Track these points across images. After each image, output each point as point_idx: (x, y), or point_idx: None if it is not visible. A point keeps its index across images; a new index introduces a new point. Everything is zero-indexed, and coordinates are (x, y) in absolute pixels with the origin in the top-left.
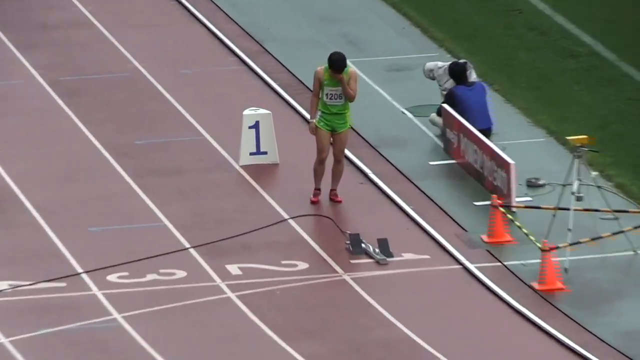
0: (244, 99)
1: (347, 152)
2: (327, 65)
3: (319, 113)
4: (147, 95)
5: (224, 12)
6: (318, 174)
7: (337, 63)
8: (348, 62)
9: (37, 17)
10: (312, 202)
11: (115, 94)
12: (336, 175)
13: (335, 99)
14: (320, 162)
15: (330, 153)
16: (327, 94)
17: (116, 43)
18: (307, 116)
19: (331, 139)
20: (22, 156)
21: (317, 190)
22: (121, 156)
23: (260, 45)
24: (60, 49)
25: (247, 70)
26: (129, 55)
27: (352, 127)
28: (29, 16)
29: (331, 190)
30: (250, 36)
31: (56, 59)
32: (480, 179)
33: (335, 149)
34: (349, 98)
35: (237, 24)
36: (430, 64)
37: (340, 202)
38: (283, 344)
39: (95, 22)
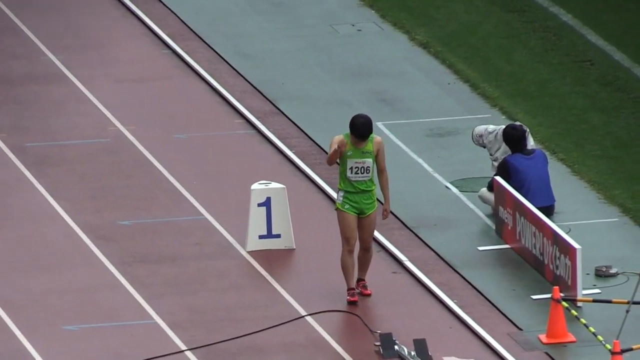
0: (253, 170)
1: (377, 234)
2: (346, 133)
3: (341, 194)
4: (133, 165)
5: (228, 63)
6: (349, 269)
7: (361, 128)
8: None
9: None
10: (350, 303)
11: (94, 164)
12: (364, 265)
13: (362, 173)
14: (349, 252)
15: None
16: (350, 168)
17: (95, 101)
18: (330, 191)
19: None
20: None
21: (352, 290)
22: (102, 240)
23: (273, 104)
24: (27, 108)
25: (256, 135)
26: (110, 117)
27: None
28: None
29: (358, 280)
30: (261, 93)
31: (22, 121)
32: (540, 267)
33: (363, 235)
34: (383, 179)
35: (244, 78)
36: (480, 128)
37: (369, 294)
38: None
39: (69, 75)
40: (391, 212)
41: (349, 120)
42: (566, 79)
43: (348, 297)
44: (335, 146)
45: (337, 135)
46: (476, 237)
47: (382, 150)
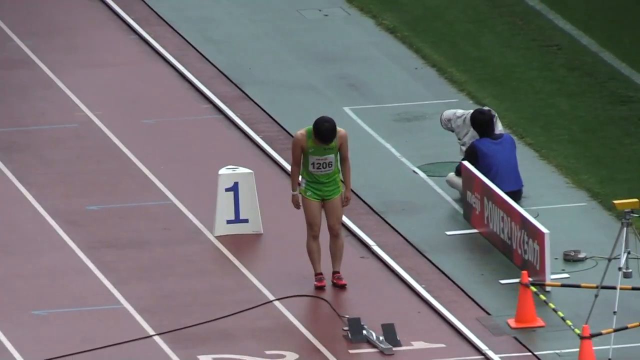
0: (220, 155)
1: (345, 219)
2: (308, 129)
3: (304, 181)
4: (101, 150)
5: (195, 49)
6: (314, 253)
7: (326, 134)
8: None
9: None
10: (318, 288)
11: (61, 149)
12: (336, 254)
13: (324, 168)
14: (313, 238)
15: (324, 227)
16: (312, 164)
17: (62, 86)
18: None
19: (322, 209)
20: None
21: (319, 274)
22: (70, 225)
23: (240, 89)
24: None
25: (223, 120)
26: (78, 102)
27: (351, 190)
28: None
29: (334, 273)
30: (228, 78)
31: None
32: (508, 252)
33: (330, 220)
34: (345, 168)
35: (211, 63)
36: (448, 113)
37: (344, 285)
38: None
39: (37, 61)
40: (359, 197)
41: (315, 106)
42: (533, 64)
43: (316, 282)
44: (296, 149)
45: (299, 131)
46: (444, 221)
47: (346, 142)
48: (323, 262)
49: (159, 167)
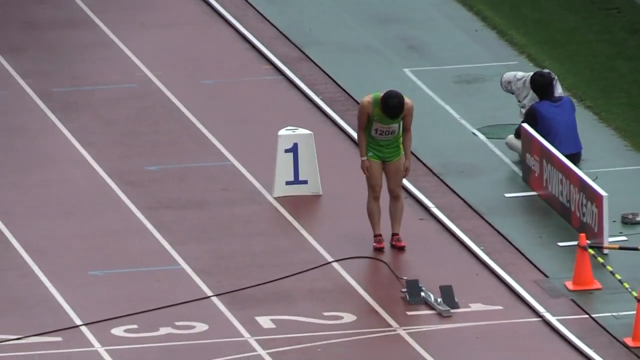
0: (280, 117)
1: (404, 181)
2: (375, 95)
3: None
4: (161, 111)
5: (256, 10)
6: (375, 215)
7: (393, 110)
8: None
9: (23, 13)
10: (378, 249)
11: (121, 109)
12: (396, 216)
13: (387, 135)
14: (374, 199)
15: (384, 188)
16: (376, 130)
17: (122, 46)
18: (356, 137)
19: (382, 171)
20: (7, 185)
21: (379, 236)
22: (129, 185)
23: (301, 50)
24: (53, 53)
25: (283, 81)
26: (138, 62)
27: (412, 153)
28: (13, 12)
29: (393, 235)
30: (288, 39)
31: (48, 66)
32: (566, 214)
33: (390, 183)
34: (407, 138)
35: (272, 24)
36: (508, 75)
37: (404, 247)
38: None
39: (97, 21)
40: (418, 159)
41: (375, 67)
42: (593, 27)
43: (375, 244)
44: (362, 116)
45: (365, 98)
46: (503, 184)
47: (411, 113)
48: (382, 224)
49: (218, 128)
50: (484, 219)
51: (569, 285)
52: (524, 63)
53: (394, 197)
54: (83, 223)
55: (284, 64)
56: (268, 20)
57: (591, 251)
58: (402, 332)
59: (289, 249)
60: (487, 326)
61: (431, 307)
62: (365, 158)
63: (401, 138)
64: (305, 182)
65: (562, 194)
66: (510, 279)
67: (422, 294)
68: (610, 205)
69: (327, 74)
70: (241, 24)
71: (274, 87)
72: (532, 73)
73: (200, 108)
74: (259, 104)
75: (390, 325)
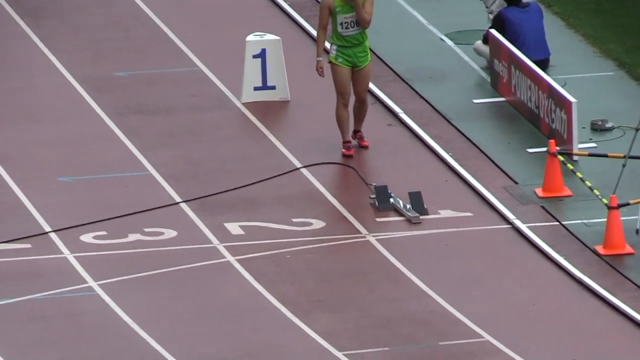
0: (248, 22)
1: (372, 86)
2: None
3: (334, 48)
4: (129, 17)
5: None
6: (344, 121)
7: None
8: None
9: None
10: (346, 156)
11: (89, 15)
12: (359, 116)
13: (352, 28)
14: (343, 106)
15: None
16: (340, 24)
17: None
18: (325, 44)
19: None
20: None
21: (348, 142)
22: (97, 91)
23: None
24: None
25: None
26: None
27: (379, 58)
28: None
29: (355, 132)
30: None
31: None
32: (535, 120)
33: (358, 88)
34: (363, 23)
35: None
36: None
37: (367, 146)
38: (294, 319)
39: None
40: (386, 64)
41: None
42: None
43: (344, 150)
44: (324, 10)
45: None
46: (471, 89)
47: (371, 0)
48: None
49: (186, 34)
50: (452, 124)
51: (539, 192)
52: None
53: (360, 101)
54: (52, 129)
55: None
56: None
57: (561, 158)
58: (371, 238)
59: (257, 154)
60: (456, 233)
61: (400, 214)
62: (320, 59)
63: (368, 40)
64: (273, 87)
65: (530, 100)
66: (479, 185)
67: (391, 200)
68: (580, 112)
69: None
70: None
71: None
72: None
73: (169, 14)
74: (227, 9)
75: (359, 232)
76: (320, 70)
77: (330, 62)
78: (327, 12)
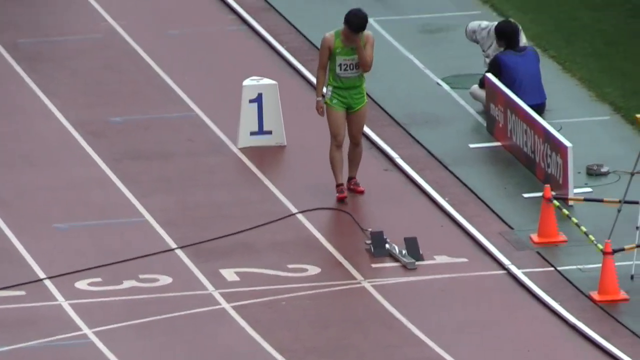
0: (244, 67)
1: (368, 131)
2: (336, 30)
3: (330, 89)
4: (125, 61)
5: None
6: (337, 164)
7: (357, 20)
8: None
9: None
10: (340, 200)
11: (85, 59)
12: (354, 161)
13: (351, 70)
14: (337, 148)
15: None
16: (339, 65)
17: None
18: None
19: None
20: None
21: (341, 185)
22: (93, 136)
23: (265, 0)
24: (18, 4)
25: (247, 31)
26: (102, 12)
27: (375, 102)
28: None
29: (350, 179)
30: None
31: (13, 17)
32: (531, 165)
33: (352, 130)
34: (365, 67)
35: None
36: (473, 24)
37: (362, 192)
38: None
39: None
40: (382, 109)
41: (341, 17)
42: None
43: (337, 194)
44: (324, 50)
45: (327, 33)
46: (467, 134)
47: (371, 43)
48: (345, 174)
49: (182, 79)
50: (448, 169)
51: (534, 237)
52: (487, 12)
53: (354, 144)
54: (47, 175)
55: (248, 13)
56: None
57: (556, 203)
58: (367, 285)
59: (253, 200)
60: (451, 279)
61: (396, 260)
62: (320, 99)
63: (364, 84)
64: (269, 132)
65: (526, 144)
66: (475, 230)
67: (387, 246)
68: (575, 156)
69: (291, 24)
70: None
71: (239, 37)
72: (496, 22)
73: (165, 58)
74: (223, 54)
75: (354, 278)
76: (320, 110)
77: (325, 103)
78: (327, 52)
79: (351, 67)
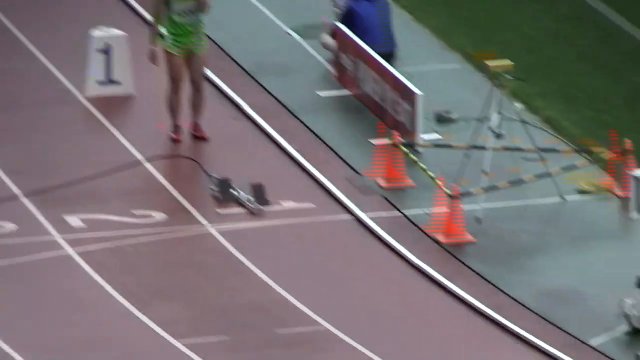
0: (94, 16)
1: (217, 80)
2: None
3: (170, 37)
4: None
5: None
6: (175, 106)
7: None
8: None
9: None
10: (174, 141)
11: None
12: (198, 107)
13: (189, 16)
14: (175, 91)
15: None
16: (176, 11)
17: None
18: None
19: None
20: None
21: (178, 126)
22: None
23: None
24: None
25: None
26: None
27: (224, 52)
28: None
29: (194, 125)
30: None
31: None
32: (381, 113)
33: (194, 75)
34: (203, 6)
35: None
36: None
37: (206, 138)
38: (134, 311)
39: None
40: (231, 58)
41: None
42: None
43: (173, 135)
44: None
45: None
46: (317, 83)
47: None
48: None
49: (29, 28)
50: (297, 118)
51: (382, 183)
52: None
53: (196, 89)
54: None
55: None
56: None
57: (403, 149)
58: (213, 230)
59: (101, 149)
60: (298, 224)
61: (242, 206)
62: (152, 47)
63: (204, 27)
64: (118, 83)
65: (376, 93)
66: (322, 176)
67: (233, 192)
68: (426, 105)
69: None
70: None
71: None
72: None
73: (11, 6)
74: (72, 3)
75: (200, 223)
76: (152, 59)
77: (165, 50)
78: (161, 3)
79: (189, 13)
